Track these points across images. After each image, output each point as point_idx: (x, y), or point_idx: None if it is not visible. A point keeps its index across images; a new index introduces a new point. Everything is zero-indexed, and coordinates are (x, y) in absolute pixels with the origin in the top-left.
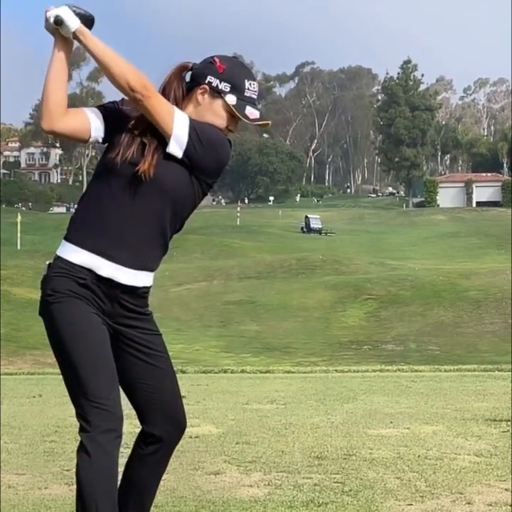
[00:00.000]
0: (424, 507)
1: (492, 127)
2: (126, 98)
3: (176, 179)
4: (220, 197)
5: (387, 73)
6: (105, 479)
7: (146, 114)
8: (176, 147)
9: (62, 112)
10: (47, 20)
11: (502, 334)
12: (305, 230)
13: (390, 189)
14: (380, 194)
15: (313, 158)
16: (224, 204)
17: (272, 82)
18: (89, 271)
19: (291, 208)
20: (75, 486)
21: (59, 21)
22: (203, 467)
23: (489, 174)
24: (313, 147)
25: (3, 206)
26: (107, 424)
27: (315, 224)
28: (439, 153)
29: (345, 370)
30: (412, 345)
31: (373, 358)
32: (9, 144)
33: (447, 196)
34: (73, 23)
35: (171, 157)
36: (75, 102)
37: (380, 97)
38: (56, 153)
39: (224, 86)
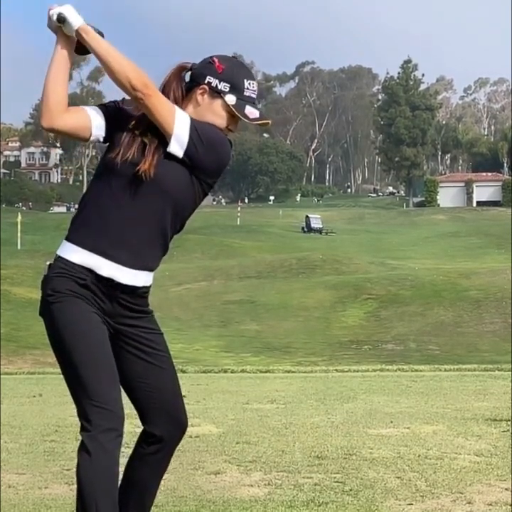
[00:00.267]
0: (424, 507)
1: (492, 127)
2: (127, 98)
3: (176, 179)
4: (220, 196)
5: (388, 73)
6: (106, 478)
7: (147, 112)
8: (177, 147)
9: (62, 110)
10: (50, 18)
11: (502, 334)
12: (305, 229)
13: (391, 189)
14: (380, 194)
15: (313, 158)
16: (224, 204)
17: (272, 82)
18: (90, 271)
19: (291, 207)
20: (75, 486)
21: (62, 19)
22: (203, 467)
23: (489, 174)
24: (313, 147)
25: (4, 206)
26: (108, 423)
27: (315, 224)
28: (440, 153)
29: (345, 370)
30: (412, 344)
31: (373, 358)
32: (9, 144)
33: (447, 196)
34: (76, 20)
35: (171, 157)
36: (75, 101)
37: (380, 97)
38: (56, 152)
39: (223, 86)
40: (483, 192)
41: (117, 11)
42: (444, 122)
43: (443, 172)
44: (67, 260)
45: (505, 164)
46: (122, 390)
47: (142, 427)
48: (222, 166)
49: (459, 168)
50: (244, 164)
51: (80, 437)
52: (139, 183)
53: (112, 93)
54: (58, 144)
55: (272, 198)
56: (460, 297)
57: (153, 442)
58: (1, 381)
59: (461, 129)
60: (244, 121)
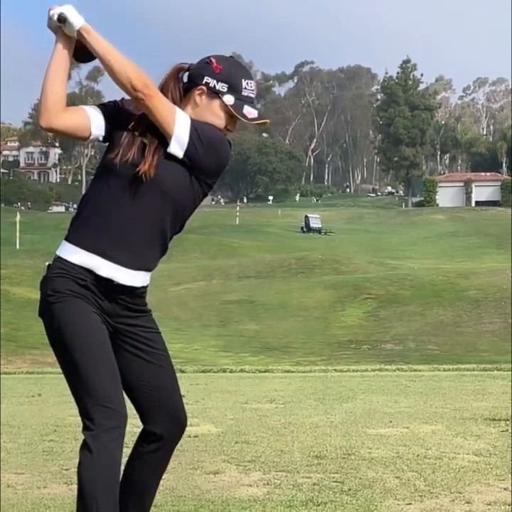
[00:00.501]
0: (423, 506)
1: (491, 127)
2: (126, 97)
3: (176, 180)
4: (219, 196)
5: (387, 73)
6: (107, 477)
7: (148, 113)
8: (177, 147)
9: (60, 110)
10: (50, 18)
11: (501, 334)
12: (305, 229)
13: (389, 188)
14: (379, 193)
15: (312, 158)
16: (223, 203)
17: (271, 82)
18: (89, 271)
19: (290, 207)
20: (74, 486)
21: (63, 19)
22: (202, 466)
23: (488, 174)
24: (312, 146)
25: (3, 205)
26: (111, 422)
27: (315, 223)
28: (439, 153)
29: (344, 370)
30: (411, 344)
31: (372, 358)
32: (8, 144)
33: (446, 196)
34: (77, 20)
35: (171, 157)
36: (74, 101)
37: (379, 97)
38: (55, 152)
39: (221, 86)
40: (482, 192)
41: (117, 10)
42: (443, 122)
43: (442, 172)
44: (66, 260)
45: (504, 164)
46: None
47: (141, 427)
48: (222, 166)
49: (458, 168)
50: (243, 164)
51: (78, 437)
52: (138, 184)
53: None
54: (57, 144)
55: (270, 197)
56: (459, 297)
57: (153, 440)
58: (0, 381)
59: (460, 129)
60: (243, 122)
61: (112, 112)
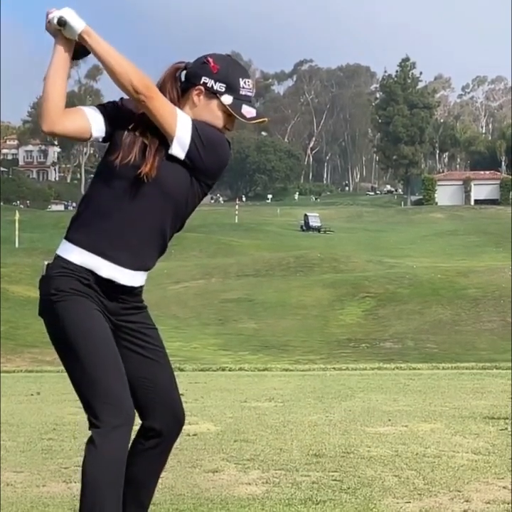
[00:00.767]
0: (422, 505)
1: (490, 125)
2: (126, 97)
3: (177, 180)
4: (218, 195)
5: (386, 71)
6: (113, 475)
7: (149, 114)
8: (179, 149)
9: (61, 113)
10: (49, 21)
11: (500, 332)
12: (304, 228)
13: (388, 187)
14: (378, 192)
15: (311, 156)
16: (222, 202)
17: (270, 80)
18: (90, 271)
19: (289, 205)
20: (72, 484)
21: (63, 22)
22: (201, 465)
23: (487, 172)
24: (311, 145)
25: (2, 204)
26: (118, 420)
27: (314, 222)
28: (438, 151)
29: (343, 368)
30: (410, 343)
31: (371, 356)
32: (7, 142)
33: (445, 194)
34: (78, 24)
35: (172, 158)
36: (73, 99)
37: (378, 95)
38: (54, 151)
39: (219, 86)
40: (481, 190)
41: (117, 10)
42: (442, 120)
43: (441, 170)
44: (67, 260)
45: (503, 162)
46: None
47: (139, 425)
48: (222, 166)
49: (457, 166)
50: (242, 162)
51: (77, 436)
52: (140, 185)
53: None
54: (56, 143)
55: (269, 196)
56: (458, 295)
57: (153, 436)
58: None
59: (459, 128)
60: (242, 121)
61: (112, 113)
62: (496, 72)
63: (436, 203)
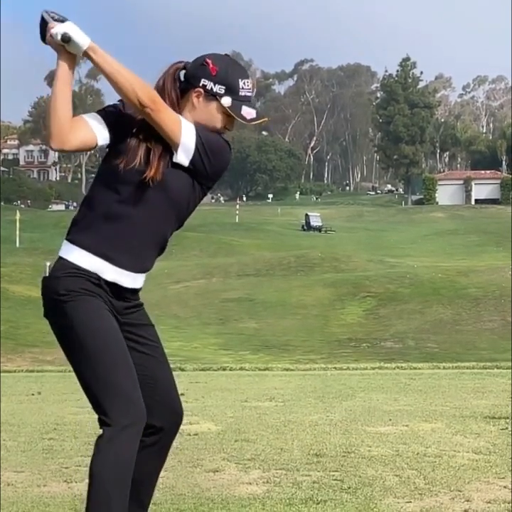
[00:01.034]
0: (422, 504)
1: (491, 125)
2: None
3: (180, 186)
4: (218, 194)
5: (386, 71)
6: (121, 473)
7: (154, 125)
8: (183, 156)
9: (69, 131)
10: (51, 35)
11: (501, 332)
12: (305, 227)
13: (389, 186)
14: (378, 192)
15: (312, 156)
16: (223, 201)
17: (270, 80)
18: (96, 274)
19: (290, 205)
20: (73, 484)
21: (67, 39)
22: (201, 465)
23: (488, 172)
24: (312, 145)
25: (2, 204)
26: (130, 419)
27: (315, 222)
28: (438, 151)
29: (343, 368)
30: (410, 342)
31: (372, 356)
32: (8, 142)
33: (446, 194)
34: (83, 40)
35: (176, 165)
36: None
37: (379, 95)
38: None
39: (218, 88)
40: (481, 190)
41: (117, 10)
42: (442, 120)
43: (441, 170)
44: (72, 262)
45: (503, 162)
46: None
47: None
48: (224, 170)
49: (458, 166)
50: (242, 162)
51: (78, 435)
52: (144, 190)
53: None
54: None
55: (270, 195)
56: (459, 295)
57: (153, 433)
58: (0, 379)
59: (459, 127)
60: (242, 122)
61: (113, 118)
62: (496, 72)
63: (437, 203)
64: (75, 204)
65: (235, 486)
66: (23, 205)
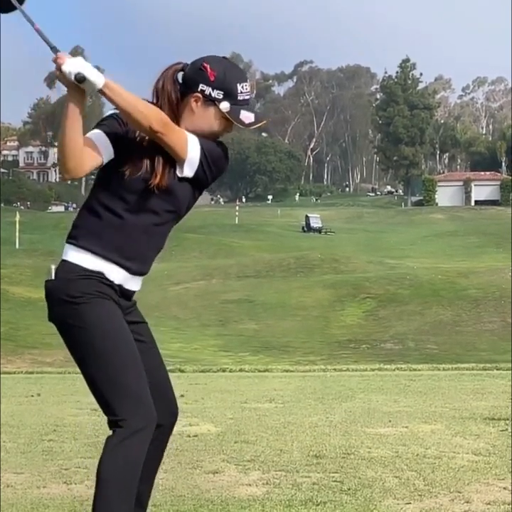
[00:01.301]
0: (422, 506)
1: (491, 126)
2: None
3: (183, 195)
4: (218, 196)
5: (386, 72)
6: (130, 476)
7: (164, 145)
8: (188, 170)
9: (81, 161)
10: (61, 71)
11: (500, 333)
12: (305, 229)
13: (389, 188)
14: (378, 193)
15: (311, 157)
16: (222, 203)
17: (270, 81)
18: (107, 277)
19: (289, 207)
20: (73, 485)
21: (81, 79)
22: (201, 466)
23: (488, 173)
24: (311, 146)
25: (2, 205)
26: (141, 422)
27: (315, 223)
28: (438, 152)
29: (343, 369)
30: (410, 344)
31: (372, 357)
32: (8, 143)
33: (446, 195)
34: (98, 79)
35: (181, 177)
36: None
37: (378, 96)
38: (54, 152)
39: (217, 93)
40: (481, 191)
41: (117, 10)
42: (442, 121)
43: (441, 171)
44: (82, 266)
45: (503, 163)
46: None
47: None
48: (220, 175)
49: (457, 167)
50: (242, 163)
51: (78, 437)
52: (149, 197)
53: None
54: (56, 144)
55: (270, 197)
56: (458, 296)
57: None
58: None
59: (459, 128)
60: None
61: (115, 130)
62: (496, 73)
63: (437, 204)
64: (74, 205)
65: (235, 488)
66: (22, 207)
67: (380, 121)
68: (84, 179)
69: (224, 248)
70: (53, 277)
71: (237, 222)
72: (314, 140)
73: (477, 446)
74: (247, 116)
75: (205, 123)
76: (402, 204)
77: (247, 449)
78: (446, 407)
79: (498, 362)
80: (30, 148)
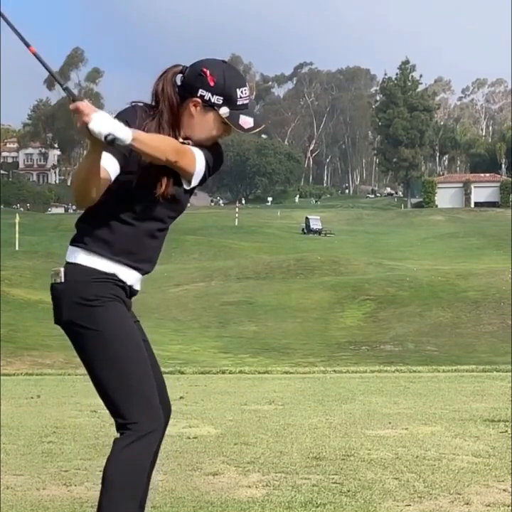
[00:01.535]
0: (422, 507)
1: (490, 128)
2: (130, 114)
3: (185, 198)
4: (218, 198)
5: (386, 74)
6: (136, 479)
7: (176, 170)
8: (194, 182)
9: (99, 195)
10: (86, 126)
11: (500, 335)
12: (305, 230)
13: (389, 189)
14: (378, 194)
15: (311, 159)
16: (222, 205)
17: (270, 83)
18: (121, 279)
19: (289, 208)
20: (72, 487)
21: (111, 141)
22: (201, 468)
23: (487, 175)
24: (311, 148)
25: (2, 207)
26: (151, 425)
27: (315, 225)
28: (438, 154)
29: (343, 371)
30: (410, 345)
31: (371, 359)
32: (7, 145)
33: (445, 197)
34: (126, 135)
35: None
36: None
37: (378, 98)
38: (54, 153)
39: (216, 99)
40: (481, 193)
41: (117, 9)
42: (442, 123)
43: (441, 173)
44: (96, 269)
45: (503, 165)
46: None
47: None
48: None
49: (457, 169)
50: (242, 165)
51: (77, 438)
52: (154, 205)
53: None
54: (56, 146)
55: (269, 198)
56: (458, 298)
57: None
58: None
59: (459, 130)
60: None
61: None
62: (495, 75)
63: (437, 206)
64: (74, 207)
65: (235, 490)
66: (22, 209)
67: (380, 123)
68: None
69: (224, 250)
70: (62, 280)
71: (236, 223)
72: (314, 142)
73: (477, 448)
74: (246, 121)
75: (204, 127)
76: (402, 206)
77: (246, 450)
78: (445, 409)
79: (497, 364)
80: (30, 150)
